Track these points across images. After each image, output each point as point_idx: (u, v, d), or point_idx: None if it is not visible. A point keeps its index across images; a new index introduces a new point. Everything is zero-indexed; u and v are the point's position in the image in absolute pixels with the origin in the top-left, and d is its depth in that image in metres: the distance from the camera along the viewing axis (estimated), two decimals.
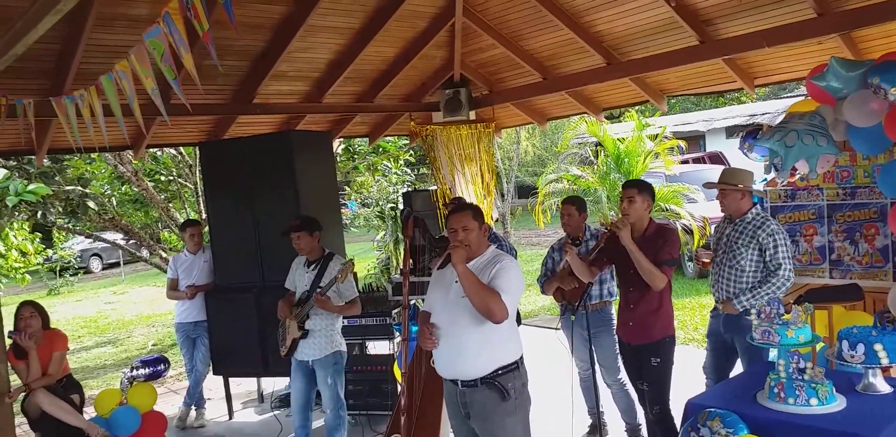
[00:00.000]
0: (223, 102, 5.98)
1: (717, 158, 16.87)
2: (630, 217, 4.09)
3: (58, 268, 19.11)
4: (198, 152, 7.21)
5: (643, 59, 5.90)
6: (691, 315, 8.95)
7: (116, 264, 22.07)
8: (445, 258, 3.18)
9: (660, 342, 4.01)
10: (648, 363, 4.00)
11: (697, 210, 10.78)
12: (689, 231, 10.45)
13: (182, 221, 9.85)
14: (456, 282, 3.20)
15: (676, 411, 3.96)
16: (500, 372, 3.19)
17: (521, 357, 3.30)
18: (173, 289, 6.26)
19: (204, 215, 9.95)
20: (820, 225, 5.06)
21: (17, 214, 7.98)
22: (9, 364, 4.40)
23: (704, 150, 20.25)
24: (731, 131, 19.36)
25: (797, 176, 4.97)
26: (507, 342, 3.26)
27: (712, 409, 3.04)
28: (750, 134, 5.14)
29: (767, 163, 4.91)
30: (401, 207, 13.39)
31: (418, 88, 7.25)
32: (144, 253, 22.49)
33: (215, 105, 5.97)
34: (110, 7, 4.55)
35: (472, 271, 3.15)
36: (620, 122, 11.58)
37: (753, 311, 3.50)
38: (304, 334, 4.51)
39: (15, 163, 7.85)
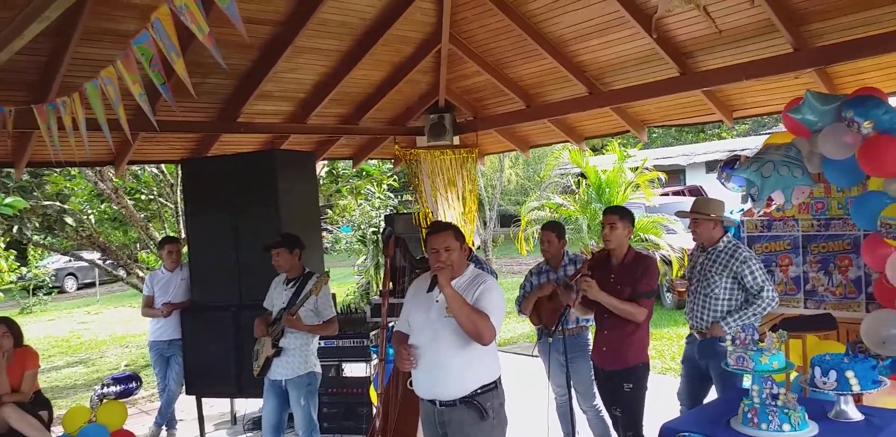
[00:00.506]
0: (207, 120, 5.99)
1: (696, 192, 17.05)
2: (611, 243, 4.13)
3: (31, 287, 18.79)
4: (180, 170, 7.17)
5: (625, 90, 6.00)
6: (669, 345, 8.96)
7: (92, 285, 21.75)
8: (432, 281, 3.17)
9: (633, 368, 4.01)
10: (622, 389, 4.00)
11: (676, 241, 10.87)
12: (667, 262, 10.52)
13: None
14: (437, 302, 3.21)
15: None
16: (479, 391, 3.18)
17: (500, 377, 3.30)
18: (148, 306, 6.18)
19: (183, 235, 9.91)
20: (795, 255, 5.12)
21: None
22: None
23: (685, 183, 20.49)
24: (711, 166, 19.64)
25: (773, 206, 5.04)
26: (488, 362, 3.26)
27: (686, 433, 3.03)
28: (727, 164, 5.22)
29: (744, 193, 4.99)
30: (385, 228, 13.44)
31: (403, 112, 7.31)
32: (121, 273, 22.39)
33: (199, 123, 5.97)
34: (98, 21, 4.60)
35: (465, 288, 3.20)
36: (603, 154, 11.74)
37: (728, 337, 3.52)
38: (277, 351, 4.45)
39: None
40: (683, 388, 4.41)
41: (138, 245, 16.49)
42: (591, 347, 4.70)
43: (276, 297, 4.65)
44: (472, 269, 3.37)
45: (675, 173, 20.31)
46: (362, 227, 13.14)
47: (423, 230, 6.79)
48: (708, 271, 4.19)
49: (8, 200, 7.41)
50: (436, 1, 5.83)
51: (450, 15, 5.95)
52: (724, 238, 4.26)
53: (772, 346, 3.37)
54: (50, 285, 19.80)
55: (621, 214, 4.20)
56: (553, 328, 4.30)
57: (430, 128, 7.19)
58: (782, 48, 4.97)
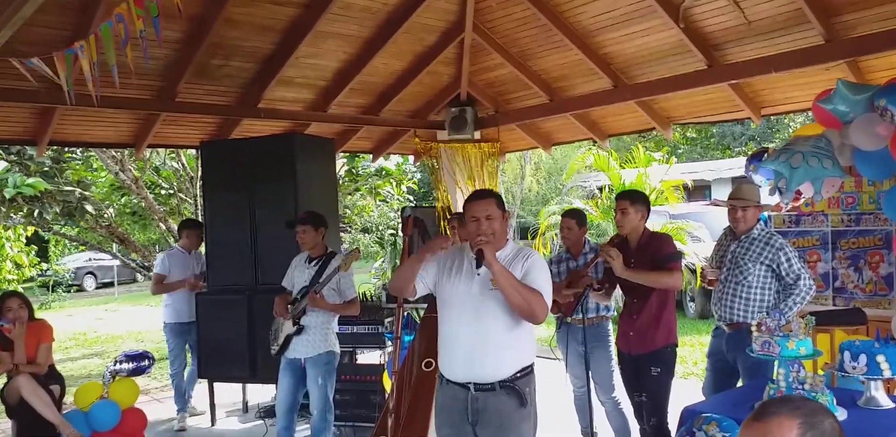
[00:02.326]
0: (228, 104, 5.98)
1: None
2: (624, 229, 4.02)
3: (51, 283, 18.95)
4: (199, 153, 7.15)
5: (651, 83, 5.91)
6: (691, 352, 8.78)
7: (111, 284, 21.87)
8: (478, 256, 2.83)
9: (661, 351, 3.89)
10: (648, 373, 3.87)
11: (702, 249, 10.65)
12: (692, 270, 10.32)
13: None
14: (478, 275, 2.91)
15: (673, 426, 3.83)
16: (518, 375, 2.91)
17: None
18: (160, 283, 6.07)
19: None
20: (824, 251, 4.98)
21: (13, 208, 7.91)
22: None
23: (710, 198, 20.29)
24: (736, 182, 19.44)
25: (801, 200, 4.91)
26: (530, 342, 3.02)
27: (708, 414, 2.91)
28: (755, 156, 5.11)
29: (772, 186, 4.86)
30: (401, 233, 13.38)
31: (424, 104, 7.26)
32: (139, 277, 22.48)
33: (220, 106, 5.96)
34: None
35: (508, 262, 2.91)
36: (623, 168, 11.70)
37: (754, 323, 3.39)
38: (298, 330, 4.38)
39: (15, 157, 7.84)
40: (709, 382, 4.26)
41: (157, 246, 16.61)
42: (611, 337, 4.58)
43: (298, 276, 4.57)
44: (511, 242, 3.09)
45: (700, 188, 20.11)
46: (380, 228, 13.10)
47: (444, 222, 6.71)
48: (741, 259, 4.04)
49: (30, 180, 7.46)
50: None
51: (474, 3, 5.90)
52: (758, 226, 4.12)
53: (799, 331, 3.23)
54: (69, 283, 19.96)
55: (632, 198, 4.06)
56: (571, 313, 4.18)
57: (450, 121, 7.13)
58: (813, 40, 4.87)
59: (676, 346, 4.01)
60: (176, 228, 9.90)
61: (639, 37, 5.60)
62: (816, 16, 4.63)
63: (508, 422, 2.88)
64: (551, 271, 4.75)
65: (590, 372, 4.28)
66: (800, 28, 4.87)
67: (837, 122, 4.45)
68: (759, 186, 4.44)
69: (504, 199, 3.15)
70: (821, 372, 4.15)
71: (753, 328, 3.34)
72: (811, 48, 4.88)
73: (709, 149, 25.98)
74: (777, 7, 4.83)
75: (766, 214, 5.27)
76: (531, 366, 2.99)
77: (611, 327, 4.70)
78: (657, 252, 3.86)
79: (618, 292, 4.28)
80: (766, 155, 4.92)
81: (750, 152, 5.47)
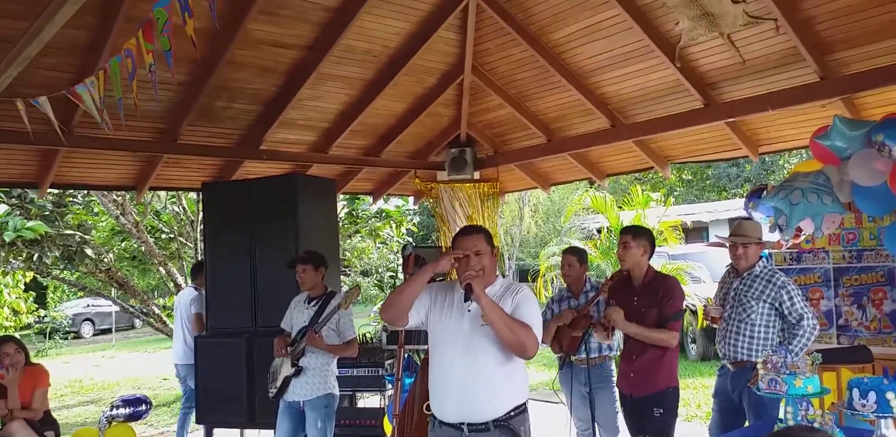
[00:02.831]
0: (230, 146, 6.03)
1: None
2: (626, 263, 4.00)
3: (48, 330, 18.75)
4: (200, 195, 7.18)
5: (648, 122, 5.97)
6: (694, 394, 8.63)
7: (108, 331, 21.63)
8: (466, 291, 2.81)
9: (663, 393, 3.81)
10: (651, 414, 3.78)
11: (702, 290, 10.58)
12: (692, 311, 10.23)
13: (181, 281, 9.75)
14: (469, 311, 2.88)
15: None
16: (513, 413, 2.84)
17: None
18: (201, 322, 6.11)
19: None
20: (826, 289, 4.94)
21: (13, 252, 7.88)
22: None
23: (708, 240, 20.28)
24: (734, 223, 19.46)
25: (802, 237, 4.89)
26: (523, 379, 2.96)
27: None
28: (754, 193, 5.11)
29: (772, 223, 4.85)
30: (401, 276, 13.30)
31: (424, 145, 7.32)
32: (138, 323, 22.27)
33: (222, 148, 6.01)
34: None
35: (497, 298, 2.90)
36: (622, 209, 11.76)
37: (760, 360, 3.33)
38: (297, 371, 4.31)
39: (16, 200, 7.85)
40: (715, 422, 4.17)
41: (156, 293, 16.51)
42: (614, 377, 4.50)
43: (297, 316, 4.52)
44: (501, 278, 3.06)
45: (697, 230, 20.13)
46: (379, 271, 13.04)
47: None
48: (744, 297, 4.01)
49: (30, 224, 7.45)
50: (459, 31, 5.89)
51: (473, 45, 6.01)
52: (760, 263, 4.10)
53: (805, 369, 3.18)
54: (66, 330, 19.75)
55: (634, 232, 4.05)
56: (575, 352, 4.12)
57: (450, 162, 7.18)
58: (808, 77, 4.93)
59: (678, 388, 3.94)
60: (176, 272, 9.88)
61: (635, 76, 5.68)
62: (811, 53, 4.71)
63: None
64: (552, 309, 4.74)
65: (594, 412, 4.20)
66: (795, 66, 4.93)
67: (835, 158, 4.47)
68: (760, 224, 4.42)
69: (502, 239, 3.15)
70: (828, 410, 4.07)
71: (759, 366, 3.29)
72: (806, 85, 4.94)
73: (705, 191, 26.11)
74: (771, 45, 4.91)
75: (767, 251, 5.25)
76: (524, 404, 2.93)
77: (613, 367, 4.62)
78: (664, 305, 3.80)
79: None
80: (765, 192, 4.93)
81: (748, 191, 5.47)
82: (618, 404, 4.41)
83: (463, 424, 2.84)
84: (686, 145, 6.46)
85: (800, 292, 4.01)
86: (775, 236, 4.94)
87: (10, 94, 3.74)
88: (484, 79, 6.33)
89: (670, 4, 4.91)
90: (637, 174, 23.04)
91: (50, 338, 18.65)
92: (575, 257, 4.68)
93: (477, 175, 7.43)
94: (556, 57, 5.76)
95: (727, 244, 4.21)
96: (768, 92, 5.15)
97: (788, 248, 5.05)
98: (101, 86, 3.16)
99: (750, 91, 5.28)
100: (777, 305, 3.94)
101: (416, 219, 16.09)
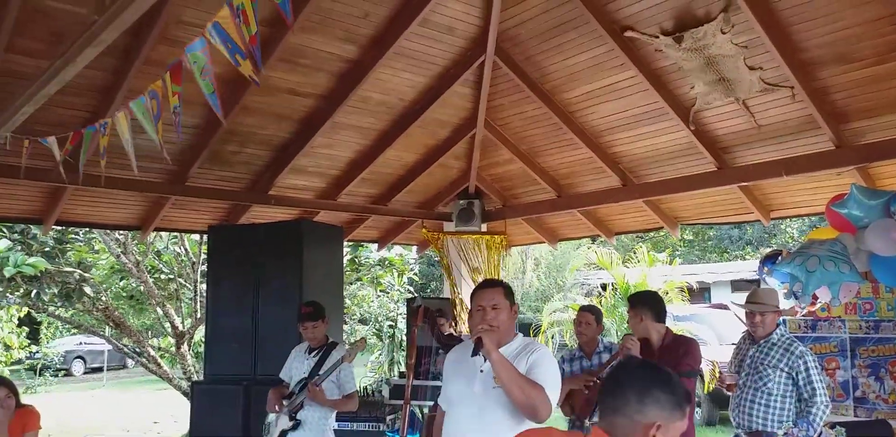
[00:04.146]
0: (239, 190, 5.99)
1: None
2: (637, 333, 3.92)
3: (39, 366, 18.42)
4: (206, 238, 7.12)
5: (659, 182, 5.95)
6: None
7: (100, 369, 21.26)
8: (476, 345, 2.70)
9: None
10: None
11: (708, 353, 10.37)
12: (700, 375, 10.01)
13: (178, 323, 9.61)
14: (482, 371, 2.75)
15: None
16: None
17: None
18: None
19: (198, 315, 9.71)
20: (843, 359, 4.81)
21: (11, 288, 7.77)
22: None
23: (709, 301, 20.13)
24: (736, 285, 19.37)
25: (818, 305, 4.80)
26: None
27: None
28: (769, 258, 5.04)
29: (787, 289, 4.76)
30: (400, 325, 13.09)
31: (433, 196, 7.29)
32: (130, 363, 21.88)
33: (230, 191, 5.97)
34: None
35: (512, 358, 2.73)
36: (627, 266, 11.72)
37: (781, 433, 3.20)
38: (294, 425, 4.14)
39: (19, 236, 7.80)
40: None
41: (150, 333, 16.28)
42: None
43: (297, 367, 4.37)
44: (521, 336, 2.90)
45: (699, 291, 20.01)
46: (379, 319, 12.85)
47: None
48: (760, 364, 3.89)
49: (31, 260, 7.38)
50: (474, 87, 5.93)
51: (487, 101, 6.04)
52: (778, 331, 4.00)
53: None
54: (57, 367, 19.40)
55: (631, 302, 4.03)
56: (588, 419, 3.96)
57: (458, 213, 7.14)
58: (823, 145, 4.93)
59: None
60: (173, 312, 9.73)
61: (648, 137, 5.69)
62: (826, 122, 4.71)
63: None
64: (563, 370, 4.59)
65: None
66: (810, 133, 4.94)
67: (852, 226, 4.42)
68: (776, 290, 4.33)
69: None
70: None
71: None
72: (822, 153, 4.93)
73: (706, 251, 26.04)
74: (787, 112, 4.93)
75: (781, 318, 5.14)
76: None
77: None
78: (679, 362, 3.68)
79: None
80: (780, 258, 4.86)
81: (764, 254, 5.41)
82: None
83: None
84: (697, 207, 6.43)
85: (818, 364, 3.88)
86: (790, 303, 4.84)
87: (22, 131, 3.72)
88: (496, 133, 6.35)
89: (686, 68, 4.94)
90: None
91: (40, 375, 18.29)
92: (593, 315, 4.56)
93: (484, 227, 7.39)
94: (569, 115, 5.79)
95: (745, 311, 4.11)
96: (783, 158, 5.14)
97: (803, 315, 4.94)
98: (124, 126, 3.12)
99: (764, 156, 5.27)
100: (794, 374, 3.82)
101: (416, 268, 15.97)
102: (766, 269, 5.01)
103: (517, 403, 2.61)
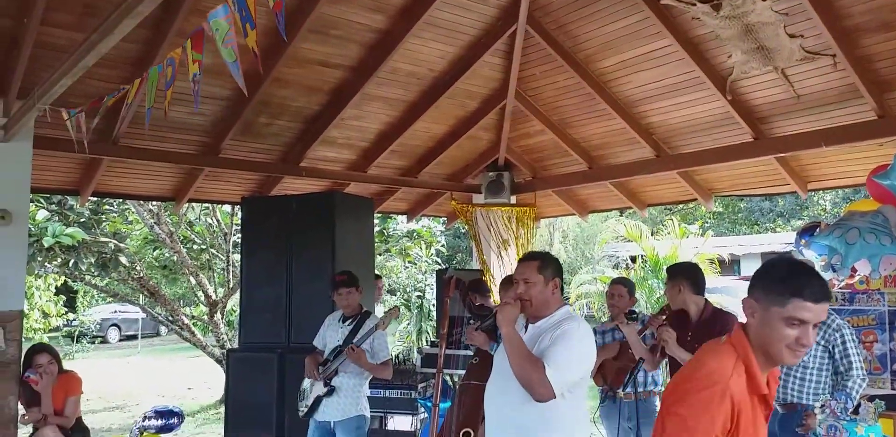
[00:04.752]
0: (270, 162, 6.02)
1: None
2: (674, 305, 3.87)
3: (76, 334, 18.90)
4: (238, 210, 7.18)
5: (694, 154, 5.86)
6: None
7: (134, 337, 21.79)
8: (493, 317, 2.74)
9: None
10: None
11: None
12: None
13: (210, 292, 9.78)
14: None
15: None
16: None
17: None
18: None
19: (231, 285, 9.87)
20: (881, 332, 4.74)
21: (50, 257, 7.95)
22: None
23: (739, 274, 19.96)
24: (766, 258, 19.14)
25: (856, 278, 4.72)
26: (568, 424, 2.65)
27: None
28: (806, 230, 4.95)
29: (825, 262, 4.69)
30: (428, 296, 13.18)
31: (462, 168, 7.27)
32: (163, 330, 22.40)
33: (263, 163, 6.00)
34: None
35: (536, 332, 2.72)
36: (657, 239, 11.60)
37: (817, 406, 3.18)
38: (329, 391, 4.21)
39: (56, 207, 7.94)
40: None
41: (182, 302, 16.60)
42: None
43: (330, 335, 4.44)
44: (564, 310, 2.81)
45: (730, 264, 19.83)
46: (407, 290, 12.94)
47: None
48: None
49: (69, 230, 7.53)
50: (505, 57, 5.86)
51: (518, 71, 5.96)
52: None
53: (868, 416, 3.03)
54: (93, 334, 19.90)
55: (668, 273, 3.95)
56: (625, 385, 3.96)
57: (487, 185, 7.11)
58: (865, 115, 4.81)
59: None
60: (206, 282, 9.90)
61: (683, 107, 5.59)
62: (869, 91, 4.60)
63: None
64: (595, 342, 4.59)
65: None
66: (852, 103, 4.82)
67: (894, 198, 4.32)
68: (815, 260, 4.27)
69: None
70: None
71: (817, 410, 3.13)
72: (863, 123, 4.81)
73: (736, 224, 25.72)
74: (828, 81, 4.81)
75: None
76: None
77: (658, 402, 4.47)
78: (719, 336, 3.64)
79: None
80: (818, 230, 4.77)
81: (801, 227, 5.29)
82: None
83: None
84: (732, 179, 6.33)
85: (855, 338, 3.83)
86: (828, 276, 4.77)
87: (60, 103, 3.75)
88: (527, 104, 6.28)
89: (724, 37, 4.82)
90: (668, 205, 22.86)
91: (77, 342, 18.79)
92: (626, 287, 4.55)
93: (513, 199, 7.36)
94: (602, 85, 5.70)
95: None
96: (822, 128, 5.03)
97: (841, 288, 4.86)
98: (133, 93, 3.12)
99: (803, 126, 5.16)
100: (830, 348, 3.78)
101: (443, 240, 16.02)
102: (803, 241, 4.92)
103: (518, 379, 2.59)
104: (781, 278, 1.73)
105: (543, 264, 2.82)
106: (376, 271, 8.95)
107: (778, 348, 1.73)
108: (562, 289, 2.86)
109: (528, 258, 2.90)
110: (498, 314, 2.71)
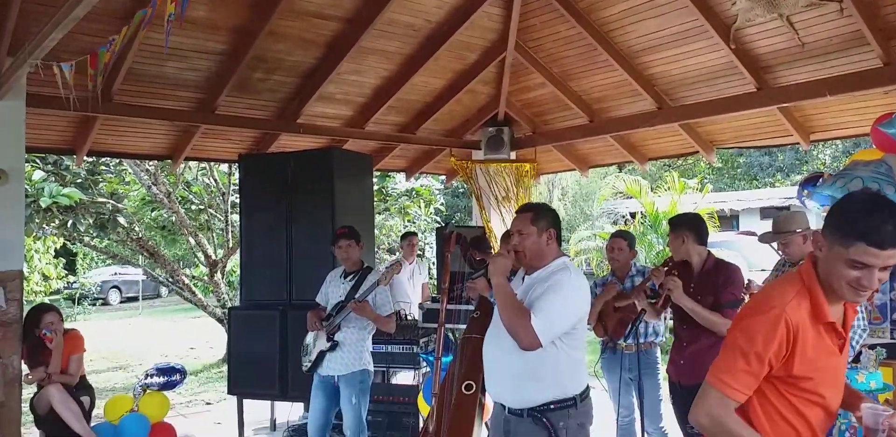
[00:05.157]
0: (267, 118, 5.94)
1: None
2: (678, 256, 3.84)
3: (77, 296, 19.01)
4: (236, 167, 7.13)
5: (696, 105, 5.79)
6: None
7: (135, 299, 21.92)
8: (482, 266, 2.81)
9: None
10: None
11: None
12: None
13: (210, 252, 9.78)
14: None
15: None
16: (551, 407, 2.66)
17: (584, 394, 2.77)
18: None
19: (230, 245, 9.86)
20: None
21: (48, 218, 7.90)
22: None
23: (738, 229, 20.01)
24: (765, 213, 19.19)
25: None
26: (561, 374, 2.69)
27: None
28: (809, 181, 4.92)
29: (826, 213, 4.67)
30: (428, 254, 13.22)
31: (461, 124, 7.19)
32: (164, 291, 22.52)
33: (259, 120, 5.92)
34: None
35: (531, 282, 2.75)
36: (658, 195, 11.55)
37: None
38: (332, 346, 4.25)
39: (52, 167, 7.87)
40: None
41: (182, 263, 16.64)
42: (660, 365, 4.39)
43: (333, 291, 4.45)
44: (560, 261, 2.80)
45: (728, 220, 19.87)
46: None
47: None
48: None
49: (65, 190, 7.46)
50: (505, 6, 5.72)
51: (518, 21, 5.83)
52: None
53: (868, 364, 3.05)
54: (94, 296, 20.01)
55: (671, 224, 3.90)
56: (626, 335, 3.98)
57: (487, 141, 7.05)
58: (871, 62, 4.73)
59: None
60: (206, 242, 9.89)
61: (686, 57, 5.50)
62: (875, 38, 4.51)
63: None
64: (596, 294, 4.61)
65: (643, 398, 4.08)
66: (857, 50, 4.74)
67: None
68: (813, 211, 4.25)
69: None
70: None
71: None
72: (868, 71, 4.74)
73: (735, 179, 25.69)
74: (833, 29, 4.71)
75: None
76: (572, 399, 2.71)
77: (658, 353, 4.50)
78: (722, 291, 3.63)
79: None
80: (821, 180, 4.74)
81: (803, 177, 5.26)
82: (661, 391, 4.30)
83: (504, 406, 2.79)
84: (734, 130, 6.27)
85: None
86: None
87: (50, 58, 3.67)
88: (527, 56, 6.17)
89: None
90: (667, 161, 22.75)
91: (78, 304, 18.90)
92: (625, 240, 4.54)
93: (513, 155, 7.31)
94: (604, 35, 5.59)
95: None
96: (827, 77, 4.96)
97: None
98: (122, 38, 3.06)
99: (807, 76, 5.09)
100: None
101: (441, 199, 15.98)
102: (805, 192, 4.90)
103: (505, 328, 2.63)
104: (849, 219, 1.66)
105: (537, 215, 2.82)
106: (412, 229, 9.18)
107: (839, 285, 1.71)
108: (559, 240, 2.86)
109: (522, 210, 2.92)
110: (490, 265, 2.74)
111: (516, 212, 2.96)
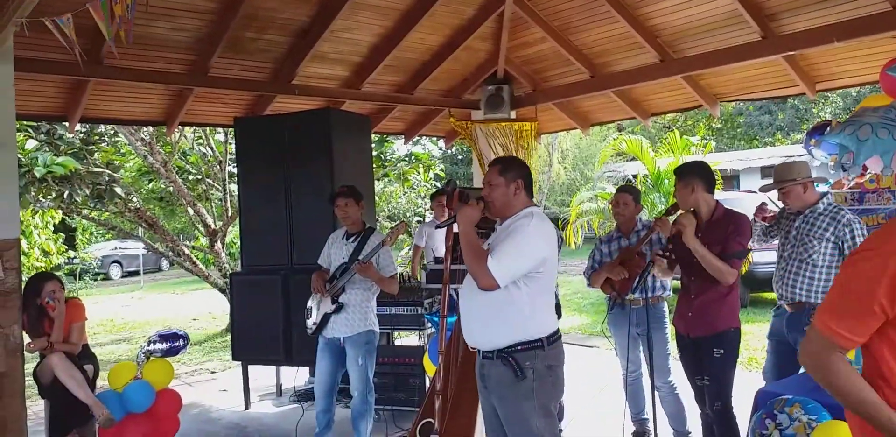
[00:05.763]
0: (262, 80, 5.81)
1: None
2: (685, 204, 3.76)
3: (78, 271, 19.01)
4: (232, 131, 7.01)
5: (700, 56, 5.64)
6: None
7: (136, 273, 21.95)
8: (451, 217, 2.97)
9: (723, 334, 3.63)
10: (710, 355, 3.61)
11: None
12: None
13: (209, 221, 9.71)
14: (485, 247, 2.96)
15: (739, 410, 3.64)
16: (518, 348, 2.83)
17: (552, 337, 2.89)
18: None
19: (230, 213, 9.78)
20: None
21: (43, 190, 7.80)
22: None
23: (739, 189, 19.95)
24: (765, 172, 19.15)
25: (866, 176, 4.63)
26: (525, 317, 2.84)
27: (790, 396, 2.68)
28: (816, 130, 4.83)
29: (835, 161, 4.58)
30: (428, 219, 13.16)
31: (459, 83, 7.04)
32: (165, 265, 22.52)
33: (253, 82, 5.79)
34: None
35: (499, 230, 2.97)
36: (659, 155, 11.44)
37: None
38: (337, 308, 4.21)
39: (45, 136, 7.73)
40: (770, 365, 4.02)
41: (182, 236, 16.59)
42: (667, 319, 4.36)
43: (335, 252, 4.40)
44: (527, 210, 2.96)
45: (729, 179, 19.79)
46: (407, 215, 12.89)
47: None
48: (805, 236, 3.79)
49: (60, 159, 7.35)
50: None
51: None
52: (824, 200, 3.86)
53: None
54: (95, 271, 20.02)
55: (678, 172, 3.82)
56: (633, 288, 3.94)
57: (486, 100, 6.91)
58: (879, 6, 4.58)
59: (739, 329, 3.75)
60: (205, 212, 9.81)
61: (689, 6, 5.33)
62: None
63: (508, 394, 2.85)
64: (600, 250, 4.56)
65: (653, 352, 4.07)
66: None
67: None
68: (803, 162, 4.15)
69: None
70: None
71: None
72: (877, 15, 4.59)
73: (735, 139, 25.56)
74: None
75: (826, 189, 4.99)
76: (538, 341, 2.85)
77: (666, 308, 4.47)
78: (730, 240, 3.57)
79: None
80: (828, 128, 4.65)
81: (811, 126, 5.16)
82: (669, 345, 4.28)
83: (477, 349, 3.00)
84: (738, 82, 6.13)
85: (865, 233, 3.76)
86: (838, 176, 4.69)
87: (38, 12, 3.53)
88: (526, 9, 5.99)
89: None
90: (667, 123, 22.50)
91: (80, 279, 18.90)
92: (631, 195, 4.47)
93: (513, 114, 7.18)
94: None
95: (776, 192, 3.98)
96: (833, 23, 4.81)
97: (850, 187, 4.78)
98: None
99: (813, 22, 4.93)
100: (840, 243, 3.72)
101: (440, 166, 15.87)
102: (812, 140, 4.81)
103: (468, 270, 2.83)
104: None
105: (505, 167, 3.01)
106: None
107: None
108: (529, 191, 3.03)
109: (492, 163, 3.11)
110: (458, 214, 2.92)
111: (489, 165, 3.10)
